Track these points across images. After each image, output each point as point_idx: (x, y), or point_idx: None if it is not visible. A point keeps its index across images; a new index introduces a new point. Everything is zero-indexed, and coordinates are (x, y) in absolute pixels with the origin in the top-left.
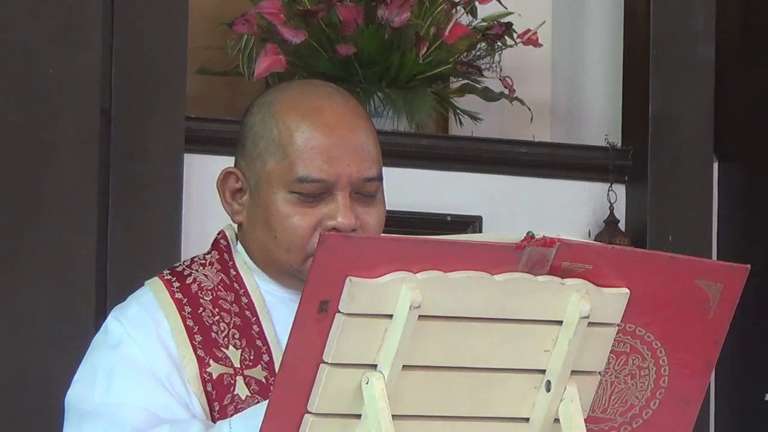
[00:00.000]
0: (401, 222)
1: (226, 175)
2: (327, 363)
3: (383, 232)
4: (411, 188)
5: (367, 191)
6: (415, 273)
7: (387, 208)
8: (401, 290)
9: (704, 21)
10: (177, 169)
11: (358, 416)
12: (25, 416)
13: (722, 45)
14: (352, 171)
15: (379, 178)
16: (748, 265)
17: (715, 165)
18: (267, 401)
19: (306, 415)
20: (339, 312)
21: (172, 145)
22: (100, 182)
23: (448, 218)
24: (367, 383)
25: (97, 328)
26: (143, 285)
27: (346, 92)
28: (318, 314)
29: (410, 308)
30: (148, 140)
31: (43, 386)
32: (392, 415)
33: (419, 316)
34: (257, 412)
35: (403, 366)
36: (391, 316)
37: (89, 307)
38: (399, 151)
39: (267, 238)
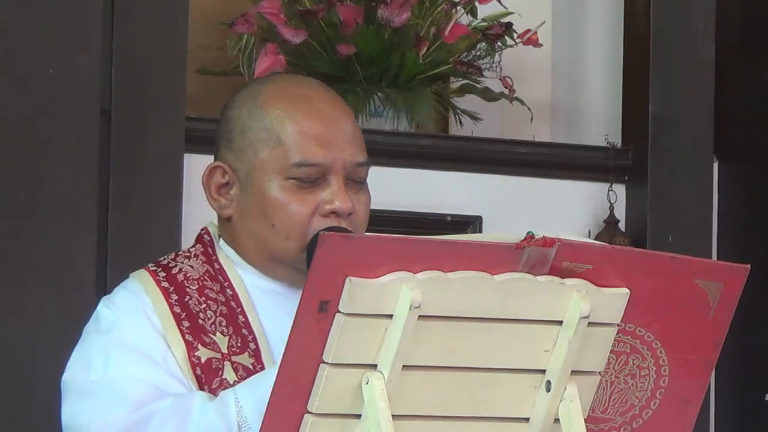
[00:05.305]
0: (401, 222)
1: (211, 170)
2: (327, 363)
3: (383, 232)
4: (411, 188)
5: (358, 176)
6: (415, 273)
7: (387, 208)
8: (401, 290)
9: (704, 21)
10: (177, 169)
11: (358, 416)
12: (25, 416)
13: (722, 45)
14: (346, 156)
15: (368, 163)
16: (748, 265)
17: (715, 165)
18: (270, 369)
19: (306, 415)
20: (339, 312)
21: (172, 145)
22: (100, 182)
23: (448, 218)
24: (367, 383)
25: None
26: (128, 277)
27: (325, 84)
28: (318, 314)
29: (410, 308)
30: (148, 140)
31: (43, 386)
32: (392, 415)
33: (419, 316)
34: (261, 379)
35: (403, 366)
36: (391, 316)
37: (89, 307)
38: (399, 151)
39: (263, 227)
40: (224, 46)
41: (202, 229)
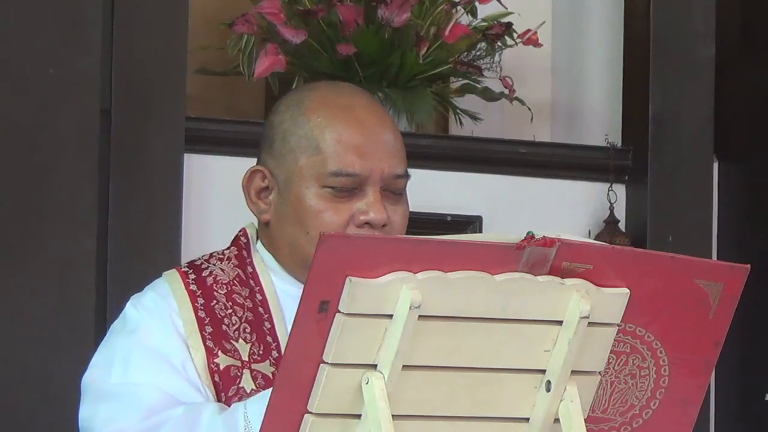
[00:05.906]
0: None
1: (252, 173)
2: (327, 363)
3: None
4: (411, 188)
5: (395, 188)
6: (415, 273)
7: None
8: (401, 290)
9: (704, 21)
10: (177, 169)
11: (358, 416)
12: (25, 416)
13: (722, 45)
14: (384, 167)
15: (407, 175)
16: (748, 265)
17: (715, 165)
18: None
19: (306, 415)
20: (339, 312)
21: (172, 145)
22: (100, 182)
23: (448, 218)
24: (367, 383)
25: (97, 328)
26: (161, 276)
27: (369, 93)
28: (318, 314)
29: (410, 308)
30: (148, 140)
31: (43, 387)
32: (392, 415)
33: (419, 316)
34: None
35: (403, 366)
36: (391, 316)
37: (89, 307)
38: None
39: (298, 234)
40: (224, 46)
41: (239, 231)
